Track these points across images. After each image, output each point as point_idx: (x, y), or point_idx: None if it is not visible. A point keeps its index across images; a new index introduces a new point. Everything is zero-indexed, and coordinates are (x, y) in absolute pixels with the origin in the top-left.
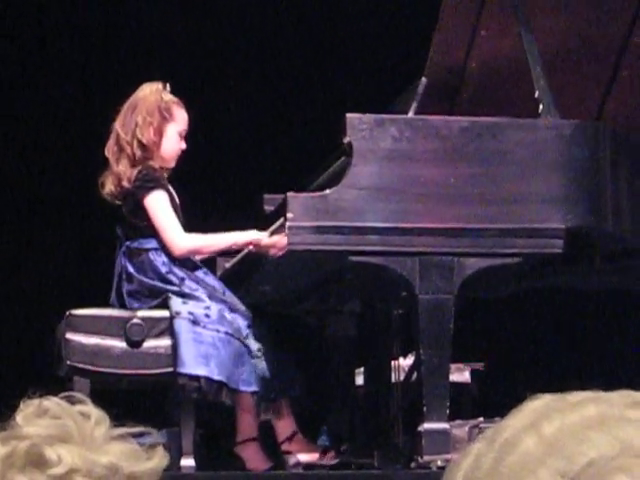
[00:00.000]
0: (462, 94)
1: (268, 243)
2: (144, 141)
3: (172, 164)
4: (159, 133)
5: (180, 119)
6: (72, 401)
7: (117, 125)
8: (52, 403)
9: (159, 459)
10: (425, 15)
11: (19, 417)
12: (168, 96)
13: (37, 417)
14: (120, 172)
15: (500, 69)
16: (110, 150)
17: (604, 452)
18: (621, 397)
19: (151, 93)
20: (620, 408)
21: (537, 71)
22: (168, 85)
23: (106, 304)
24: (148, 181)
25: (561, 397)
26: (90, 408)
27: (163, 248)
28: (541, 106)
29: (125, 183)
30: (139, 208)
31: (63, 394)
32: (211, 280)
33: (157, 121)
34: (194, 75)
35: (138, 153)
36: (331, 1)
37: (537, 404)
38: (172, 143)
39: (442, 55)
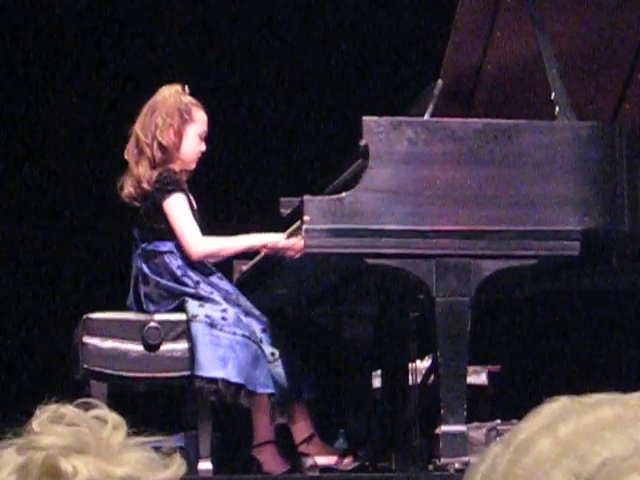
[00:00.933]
0: (478, 96)
1: (285, 245)
2: (164, 143)
3: (192, 166)
4: (179, 135)
5: (200, 120)
6: (88, 407)
7: (137, 127)
8: (68, 409)
9: (176, 467)
10: (441, 17)
11: (35, 423)
12: (187, 98)
13: (53, 423)
14: (140, 174)
15: (516, 71)
16: (130, 153)
17: (618, 452)
18: (637, 399)
19: (170, 95)
20: (636, 409)
21: (553, 73)
22: (187, 87)
23: (123, 308)
24: (168, 184)
25: (577, 399)
26: (107, 413)
27: (179, 251)
28: (557, 108)
29: (145, 185)
30: (157, 211)
31: (79, 400)
32: (225, 285)
33: (177, 123)
34: (211, 78)
35: (158, 155)
36: (348, 5)
37: (554, 406)
38: (192, 145)
39: (458, 57)
